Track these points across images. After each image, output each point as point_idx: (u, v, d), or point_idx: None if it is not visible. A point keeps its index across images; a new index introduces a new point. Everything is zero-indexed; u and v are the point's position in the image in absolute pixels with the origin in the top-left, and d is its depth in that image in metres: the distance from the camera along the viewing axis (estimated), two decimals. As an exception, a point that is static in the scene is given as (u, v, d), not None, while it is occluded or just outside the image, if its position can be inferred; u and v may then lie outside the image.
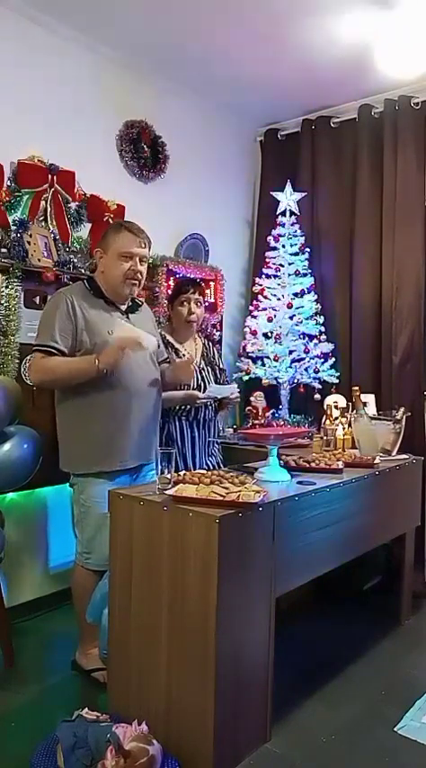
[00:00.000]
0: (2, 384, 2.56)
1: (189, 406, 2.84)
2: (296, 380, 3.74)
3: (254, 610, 2.01)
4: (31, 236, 2.93)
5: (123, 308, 2.50)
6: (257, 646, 2.04)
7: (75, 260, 3.14)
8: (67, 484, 2.53)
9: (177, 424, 2.86)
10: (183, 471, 2.29)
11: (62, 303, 2.36)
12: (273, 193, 3.92)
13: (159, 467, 2.10)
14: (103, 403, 2.36)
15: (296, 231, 3.84)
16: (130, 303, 2.54)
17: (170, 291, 3.24)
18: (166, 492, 2.03)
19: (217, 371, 3.09)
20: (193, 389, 2.85)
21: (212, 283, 4.05)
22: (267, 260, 3.87)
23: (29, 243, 2.91)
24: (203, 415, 2.91)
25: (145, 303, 2.72)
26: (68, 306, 2.35)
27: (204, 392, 2.84)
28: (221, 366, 3.16)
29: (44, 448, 2.63)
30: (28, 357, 2.91)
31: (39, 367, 2.34)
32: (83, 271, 3.11)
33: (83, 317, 2.35)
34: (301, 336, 3.76)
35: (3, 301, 2.83)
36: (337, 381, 3.69)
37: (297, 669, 2.55)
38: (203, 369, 2.99)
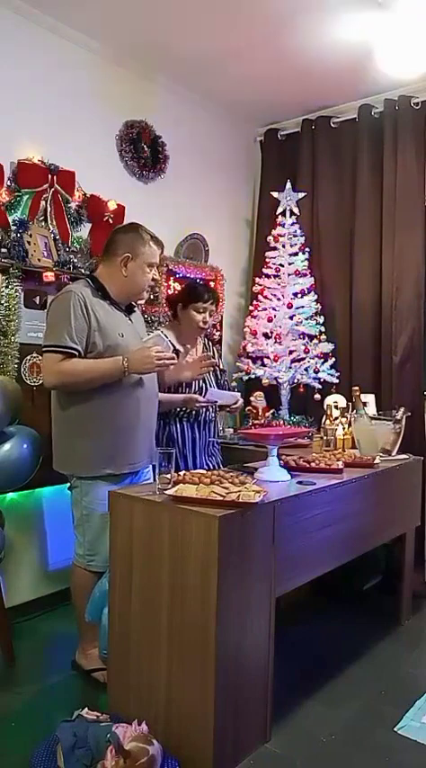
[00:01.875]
0: (1, 384, 2.56)
1: (190, 408, 2.84)
2: (296, 380, 3.74)
3: (254, 610, 2.01)
4: (30, 236, 2.93)
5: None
6: (257, 645, 2.04)
7: (75, 260, 3.13)
8: (66, 486, 2.51)
9: (178, 425, 2.85)
10: (183, 471, 2.29)
11: (75, 301, 2.26)
12: (273, 193, 3.92)
13: (162, 466, 2.09)
14: (113, 406, 2.32)
15: (296, 231, 3.84)
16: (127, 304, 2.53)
17: (181, 292, 3.07)
18: (166, 492, 2.03)
19: (218, 372, 3.08)
20: (194, 392, 2.85)
21: (212, 283, 4.04)
22: (267, 260, 3.87)
23: (29, 243, 2.91)
24: (204, 417, 2.91)
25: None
26: (82, 304, 2.27)
27: (204, 394, 2.84)
28: (221, 367, 3.14)
29: (44, 448, 2.62)
30: (27, 357, 2.91)
31: (60, 369, 2.23)
32: (83, 271, 3.10)
33: (95, 317, 2.29)
34: (301, 336, 3.76)
35: (3, 301, 2.83)
36: (337, 381, 3.69)
37: (297, 669, 2.55)
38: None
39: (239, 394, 3.02)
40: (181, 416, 2.86)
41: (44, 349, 2.29)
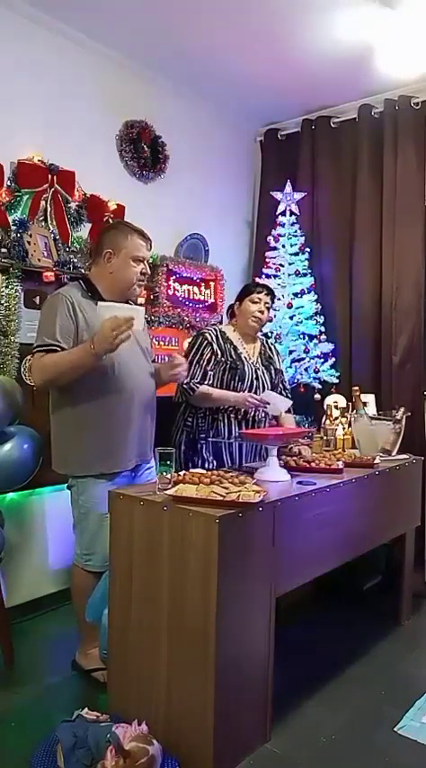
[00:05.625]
0: (1, 384, 2.56)
1: (240, 407, 2.81)
2: (296, 380, 3.74)
3: (254, 610, 2.01)
4: (30, 236, 2.93)
5: None
6: (257, 645, 2.04)
7: (75, 260, 3.14)
8: (65, 486, 2.51)
9: (226, 421, 2.82)
10: (183, 471, 2.28)
11: (61, 303, 2.31)
12: (273, 193, 3.92)
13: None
14: (104, 404, 2.33)
15: (296, 231, 3.85)
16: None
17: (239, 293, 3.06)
18: (166, 492, 2.03)
19: (272, 372, 3.00)
20: (246, 390, 2.81)
21: (212, 283, 4.05)
22: (267, 260, 3.87)
23: (29, 243, 2.91)
24: (254, 415, 2.86)
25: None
26: (68, 306, 2.31)
27: (259, 393, 2.81)
28: (278, 367, 3.05)
29: (44, 448, 2.62)
30: (28, 357, 2.91)
31: (40, 366, 2.27)
32: (83, 271, 3.10)
33: (83, 317, 2.32)
34: (301, 336, 3.76)
35: (3, 301, 2.83)
36: (337, 381, 3.69)
37: (297, 669, 2.54)
38: (258, 368, 2.93)
39: (290, 402, 2.91)
40: (230, 412, 2.82)
41: (33, 350, 2.33)
